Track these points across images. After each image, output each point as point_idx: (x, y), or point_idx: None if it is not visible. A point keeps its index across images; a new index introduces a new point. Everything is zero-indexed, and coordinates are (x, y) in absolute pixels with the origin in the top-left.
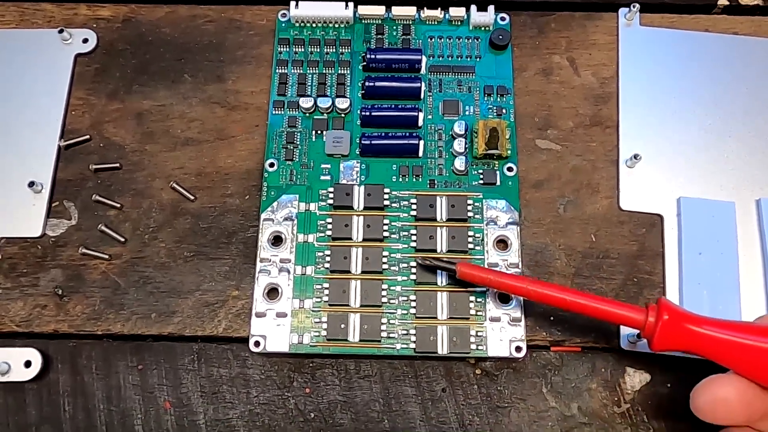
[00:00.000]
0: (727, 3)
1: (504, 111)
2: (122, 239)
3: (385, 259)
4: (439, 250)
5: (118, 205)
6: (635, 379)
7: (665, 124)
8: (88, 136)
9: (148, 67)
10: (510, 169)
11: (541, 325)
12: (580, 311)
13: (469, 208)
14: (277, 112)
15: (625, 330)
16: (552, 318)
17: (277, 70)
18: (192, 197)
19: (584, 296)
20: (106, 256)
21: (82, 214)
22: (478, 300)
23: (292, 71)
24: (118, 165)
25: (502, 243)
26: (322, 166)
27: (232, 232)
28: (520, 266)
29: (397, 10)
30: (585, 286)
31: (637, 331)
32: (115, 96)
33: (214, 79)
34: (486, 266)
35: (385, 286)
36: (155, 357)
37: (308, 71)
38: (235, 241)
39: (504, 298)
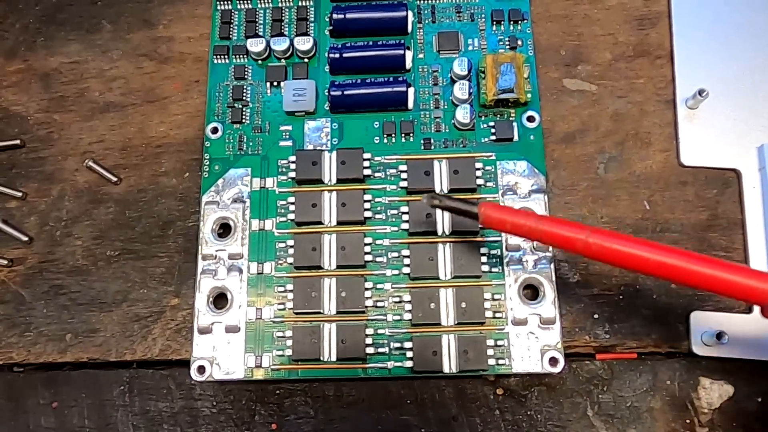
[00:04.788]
0: None
1: (520, 42)
2: (26, 238)
3: (368, 249)
4: (440, 232)
5: (20, 194)
6: (713, 393)
7: (736, 49)
8: None
9: (56, 14)
10: (531, 119)
11: (582, 325)
12: (665, 275)
13: (479, 173)
14: (219, 61)
15: (697, 327)
16: (596, 315)
17: (218, 6)
18: (115, 179)
19: (672, 253)
20: (5, 261)
21: None
22: (496, 296)
23: (238, 6)
24: (18, 142)
25: None
26: (281, 128)
27: (167, 221)
28: (550, 248)
29: None
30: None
31: (716, 330)
32: (13, 53)
33: (140, 25)
34: (507, 243)
35: (369, 285)
36: (74, 390)
37: (258, 4)
38: (172, 234)
39: (532, 294)
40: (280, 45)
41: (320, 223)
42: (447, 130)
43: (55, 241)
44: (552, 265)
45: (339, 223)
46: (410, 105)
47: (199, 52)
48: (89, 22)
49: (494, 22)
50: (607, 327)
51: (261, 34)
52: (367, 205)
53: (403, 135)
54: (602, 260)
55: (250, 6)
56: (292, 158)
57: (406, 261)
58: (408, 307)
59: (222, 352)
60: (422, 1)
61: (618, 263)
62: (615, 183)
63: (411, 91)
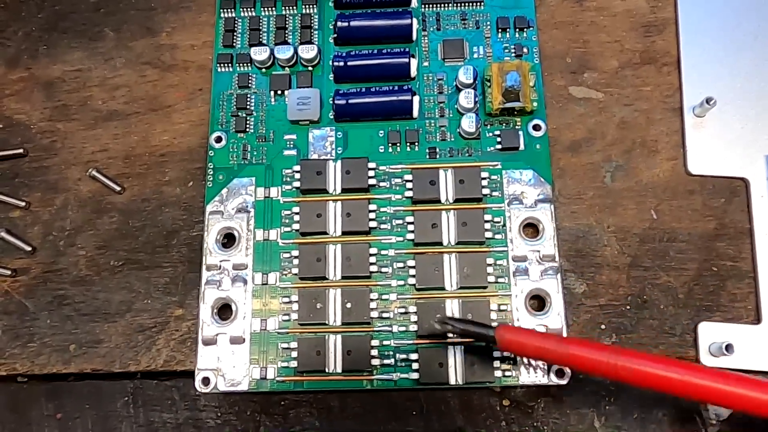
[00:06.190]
0: None
1: (525, 50)
2: (29, 248)
3: (373, 259)
4: (445, 243)
5: (23, 204)
6: None
7: (744, 56)
8: None
9: (59, 22)
10: (537, 128)
11: (589, 336)
12: (692, 396)
13: (485, 183)
14: (222, 70)
15: (706, 338)
16: (603, 326)
17: (222, 14)
18: (118, 188)
19: (696, 372)
20: (9, 272)
21: None
22: (503, 307)
23: (242, 14)
24: (21, 151)
25: (532, 228)
26: (285, 137)
27: (171, 231)
28: (557, 258)
29: None
30: (647, 281)
31: (724, 341)
32: (16, 62)
33: (144, 33)
34: (513, 254)
35: (374, 296)
36: (78, 401)
37: (262, 12)
38: (176, 244)
39: (539, 304)
40: (284, 53)
41: (325, 233)
42: (452, 139)
43: (58, 251)
44: (558, 276)
45: (344, 234)
46: (415, 114)
47: (203, 60)
48: (92, 30)
49: (499, 30)
50: (614, 338)
51: (265, 42)
52: (372, 215)
53: (408, 144)
54: (629, 382)
55: (253, 14)
56: (297, 168)
57: (412, 272)
58: (414, 318)
59: (226, 364)
60: (427, 9)
61: (645, 384)
62: (622, 192)
63: (416, 99)
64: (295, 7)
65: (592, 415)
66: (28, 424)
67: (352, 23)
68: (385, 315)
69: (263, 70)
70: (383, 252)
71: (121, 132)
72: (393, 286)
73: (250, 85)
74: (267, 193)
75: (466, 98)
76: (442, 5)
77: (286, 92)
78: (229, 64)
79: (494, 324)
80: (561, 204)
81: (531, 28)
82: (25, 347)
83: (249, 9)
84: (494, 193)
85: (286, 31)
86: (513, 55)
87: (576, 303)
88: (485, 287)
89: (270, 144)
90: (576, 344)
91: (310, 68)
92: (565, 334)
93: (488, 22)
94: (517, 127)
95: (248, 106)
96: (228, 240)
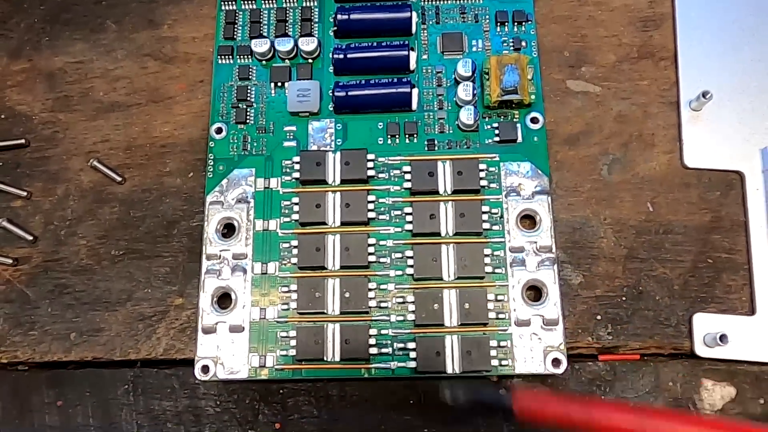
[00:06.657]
0: None
1: (524, 44)
2: (31, 237)
3: (371, 249)
4: (443, 233)
5: (25, 193)
6: (716, 394)
7: (740, 51)
8: None
9: (61, 13)
10: (535, 121)
11: (585, 327)
12: None
13: (482, 174)
14: (223, 62)
15: (700, 328)
16: (599, 317)
17: (223, 7)
18: (120, 178)
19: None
20: (10, 261)
21: None
22: (500, 298)
23: (243, 6)
24: (23, 141)
25: (529, 219)
26: (285, 128)
27: (172, 221)
28: (553, 249)
29: None
30: (643, 273)
31: (719, 332)
32: (18, 53)
33: (145, 25)
34: (510, 245)
35: (372, 285)
36: (78, 389)
37: (263, 5)
38: (176, 233)
39: (536, 295)
40: (284, 45)
41: (324, 223)
42: (451, 131)
43: (59, 241)
44: (555, 267)
45: (343, 224)
46: (414, 106)
47: (204, 52)
48: (94, 21)
49: (498, 23)
50: (610, 328)
51: (265, 34)
52: (370, 206)
53: (406, 136)
54: None
55: (254, 6)
56: (296, 159)
57: (410, 262)
58: (411, 307)
59: (226, 352)
60: (426, 2)
61: None
62: (618, 185)
63: (415, 92)
64: (295, 0)
65: None
66: (29, 412)
67: (352, 16)
68: (383, 304)
69: (264, 62)
70: (382, 242)
71: (122, 123)
72: (391, 276)
73: (250, 76)
74: (267, 183)
75: (464, 91)
76: None
77: (286, 84)
78: (230, 56)
79: (509, 386)
80: (558, 196)
81: (529, 22)
82: (26, 335)
83: (250, 1)
84: (492, 185)
85: (287, 24)
86: (511, 48)
87: (572, 294)
88: (482, 277)
89: (270, 135)
90: (600, 407)
91: (310, 60)
92: (561, 325)
93: (487, 16)
94: (515, 119)
95: (248, 98)
96: (228, 230)
